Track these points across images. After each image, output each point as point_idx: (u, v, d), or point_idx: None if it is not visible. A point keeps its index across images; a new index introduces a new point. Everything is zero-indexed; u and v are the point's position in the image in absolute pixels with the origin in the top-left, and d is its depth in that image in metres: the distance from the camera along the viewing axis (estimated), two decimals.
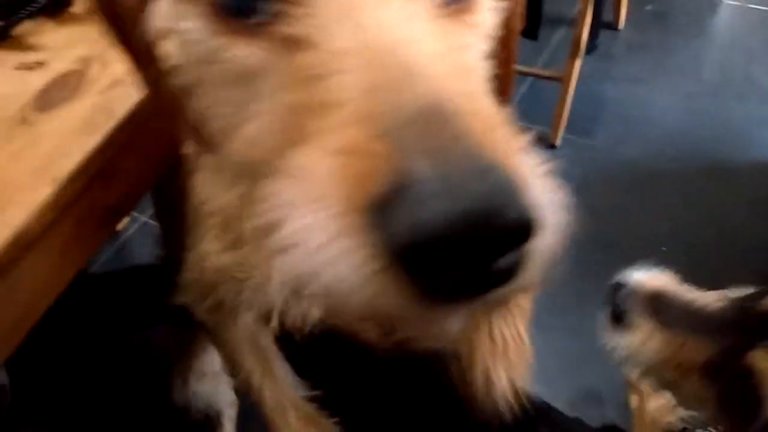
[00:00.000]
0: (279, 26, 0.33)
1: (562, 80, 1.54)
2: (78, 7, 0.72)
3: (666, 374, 0.61)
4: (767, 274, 1.28)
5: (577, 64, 1.52)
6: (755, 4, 1.97)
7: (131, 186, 0.65)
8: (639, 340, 0.61)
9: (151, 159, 0.66)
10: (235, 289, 0.74)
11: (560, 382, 1.14)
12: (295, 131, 0.32)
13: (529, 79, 1.79)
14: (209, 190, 0.57)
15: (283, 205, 0.29)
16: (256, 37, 0.34)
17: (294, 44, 0.33)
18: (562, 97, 1.55)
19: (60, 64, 0.65)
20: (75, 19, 0.72)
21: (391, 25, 0.32)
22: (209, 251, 0.63)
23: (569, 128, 1.62)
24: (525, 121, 1.69)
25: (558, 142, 1.61)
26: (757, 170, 1.54)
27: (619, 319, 0.63)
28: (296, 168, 0.30)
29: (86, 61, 0.65)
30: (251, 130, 0.36)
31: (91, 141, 0.56)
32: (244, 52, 0.35)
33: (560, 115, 1.58)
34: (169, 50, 0.40)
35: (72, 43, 0.68)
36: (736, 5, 1.98)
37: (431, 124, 0.28)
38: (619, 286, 0.64)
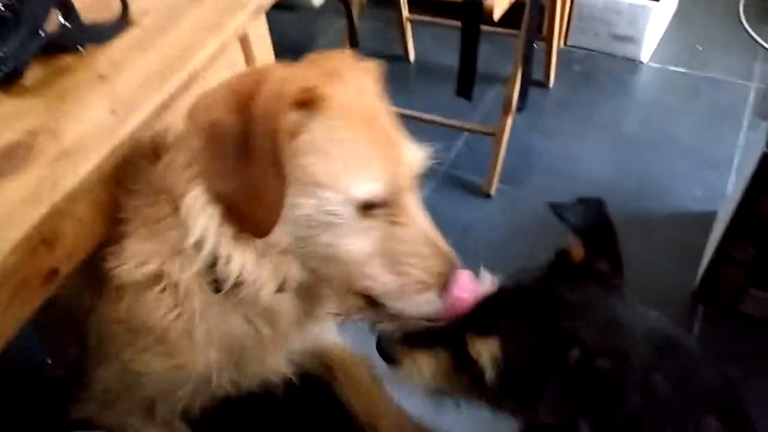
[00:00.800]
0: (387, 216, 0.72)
1: (496, 135, 1.65)
2: (29, 79, 0.77)
3: (446, 385, 0.74)
4: (678, 323, 1.39)
5: (509, 120, 1.64)
6: (674, 66, 2.15)
7: (73, 249, 0.69)
8: (408, 369, 0.74)
9: (92, 225, 0.71)
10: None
11: None
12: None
13: (465, 134, 1.90)
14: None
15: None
16: (373, 218, 0.70)
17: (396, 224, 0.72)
18: (496, 150, 1.67)
19: (8, 134, 0.70)
20: (25, 91, 0.76)
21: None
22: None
23: (503, 179, 1.73)
24: (461, 172, 1.80)
25: (493, 191, 1.72)
26: (675, 220, 1.67)
27: (390, 360, 0.75)
28: None
29: (34, 134, 0.70)
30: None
31: (36, 212, 0.61)
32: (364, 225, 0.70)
33: (494, 167, 1.69)
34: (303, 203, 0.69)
35: (21, 115, 0.73)
36: (657, 67, 2.16)
37: None
38: (379, 338, 0.77)
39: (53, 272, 0.66)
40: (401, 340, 0.75)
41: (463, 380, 0.71)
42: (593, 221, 0.78)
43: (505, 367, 0.65)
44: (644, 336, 0.66)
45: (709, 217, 1.64)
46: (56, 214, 0.63)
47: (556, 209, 0.81)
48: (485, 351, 0.66)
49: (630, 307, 0.72)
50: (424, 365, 0.73)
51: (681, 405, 0.63)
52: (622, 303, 0.72)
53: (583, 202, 0.81)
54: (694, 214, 1.68)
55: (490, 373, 0.65)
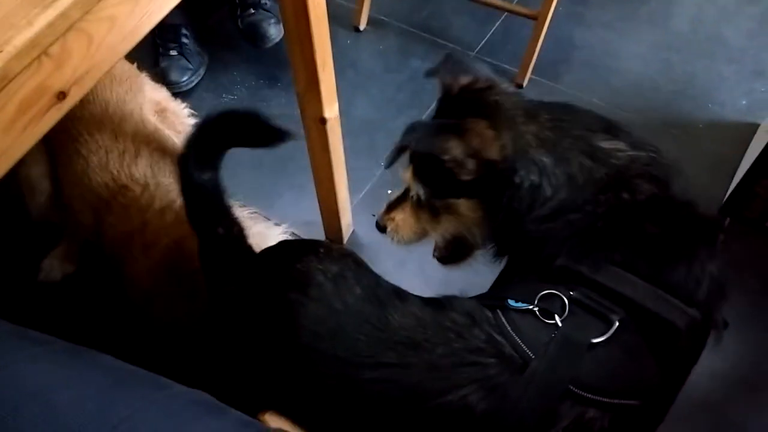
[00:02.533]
0: None
1: (537, 18, 1.52)
2: None
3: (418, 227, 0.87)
4: None
5: (554, 3, 1.50)
6: None
7: (82, 74, 0.62)
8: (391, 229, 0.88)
9: (104, 51, 0.63)
10: None
11: None
12: None
13: (502, 17, 1.76)
14: None
15: None
16: None
17: None
18: (535, 36, 1.54)
19: None
20: None
21: None
22: None
23: (537, 70, 1.62)
24: (493, 59, 1.68)
25: (525, 82, 1.61)
26: (714, 129, 1.58)
27: (382, 228, 0.89)
28: None
29: None
30: None
31: (44, 17, 0.53)
32: None
33: (530, 56, 1.57)
34: None
35: None
36: None
37: None
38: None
39: (61, 95, 0.59)
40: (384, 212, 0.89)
41: (424, 216, 0.82)
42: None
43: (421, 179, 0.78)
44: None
45: (751, 130, 1.55)
46: (65, 25, 0.55)
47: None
48: (407, 176, 0.80)
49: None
50: (399, 218, 0.86)
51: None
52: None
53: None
54: (735, 124, 1.59)
55: (416, 188, 0.79)
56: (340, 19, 1.76)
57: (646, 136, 1.52)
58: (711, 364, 1.18)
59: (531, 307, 0.64)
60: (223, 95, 1.63)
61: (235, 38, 1.69)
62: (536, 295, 0.64)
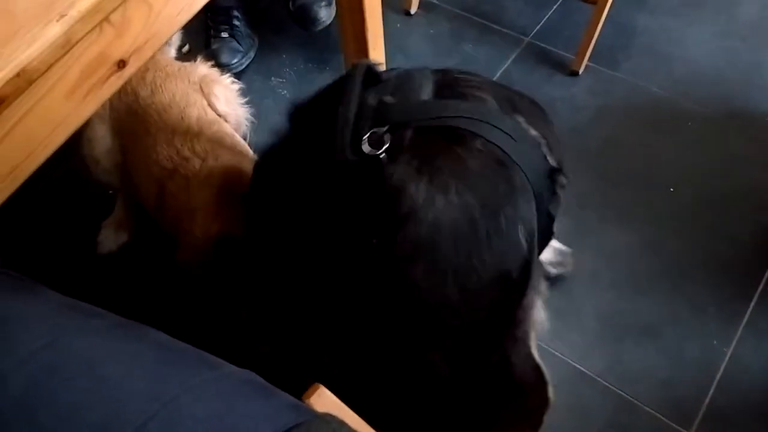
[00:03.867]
0: None
1: (597, 3, 1.46)
2: None
3: None
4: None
5: None
6: None
7: (141, 44, 0.62)
8: None
9: (163, 21, 0.62)
10: None
11: None
12: None
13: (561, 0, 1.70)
14: None
15: None
16: None
17: None
18: (594, 21, 1.48)
19: None
20: None
21: None
22: None
23: (595, 56, 1.56)
24: (549, 44, 1.63)
25: (581, 69, 1.56)
26: None
27: None
28: None
29: None
30: None
31: None
32: None
33: (588, 42, 1.51)
34: None
35: None
36: None
37: None
38: None
39: (121, 63, 0.59)
40: None
41: None
42: None
43: None
44: None
45: None
46: None
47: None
48: None
49: None
50: None
51: None
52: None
53: None
54: None
55: None
56: (391, 2, 1.73)
57: (709, 127, 1.46)
58: None
59: None
60: (272, 78, 1.63)
61: (285, 21, 1.69)
62: None
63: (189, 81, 1.09)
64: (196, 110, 1.05)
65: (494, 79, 1.58)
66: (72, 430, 0.42)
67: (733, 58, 1.60)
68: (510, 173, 0.71)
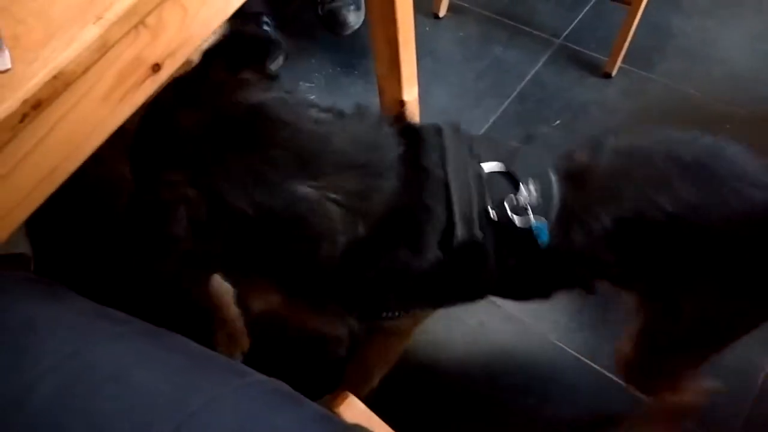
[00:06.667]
0: None
1: (631, 4, 1.43)
2: None
3: None
4: None
5: None
6: None
7: (176, 47, 0.62)
8: None
9: (197, 21, 0.62)
10: None
11: None
12: None
13: (593, 0, 1.67)
14: None
15: None
16: None
17: None
18: (628, 22, 1.44)
19: None
20: None
21: None
22: None
23: (628, 58, 1.52)
24: (581, 46, 1.60)
25: (615, 71, 1.52)
26: None
27: None
28: None
29: None
30: None
31: None
32: None
33: (622, 43, 1.48)
34: None
35: None
36: None
37: None
38: None
39: (156, 67, 0.59)
40: None
41: None
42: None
43: None
44: None
45: None
46: None
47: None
48: None
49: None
50: None
51: None
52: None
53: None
54: None
55: None
56: (420, 5, 1.71)
57: (747, 129, 1.42)
58: None
59: None
60: (300, 82, 1.63)
61: (314, 26, 1.69)
62: None
63: None
64: None
65: (525, 81, 1.55)
66: None
67: None
68: None
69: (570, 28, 1.65)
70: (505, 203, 0.66)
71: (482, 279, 0.71)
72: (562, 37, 1.63)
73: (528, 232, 0.66)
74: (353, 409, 0.64)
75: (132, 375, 0.45)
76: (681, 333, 0.77)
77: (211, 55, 0.67)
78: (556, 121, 1.48)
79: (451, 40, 1.68)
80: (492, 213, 0.66)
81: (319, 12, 1.65)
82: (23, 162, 0.52)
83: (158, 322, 0.52)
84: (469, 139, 0.71)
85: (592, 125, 1.45)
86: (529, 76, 1.56)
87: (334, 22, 1.62)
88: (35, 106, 0.49)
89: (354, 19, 1.62)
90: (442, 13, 1.71)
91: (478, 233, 0.65)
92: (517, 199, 0.66)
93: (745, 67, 1.54)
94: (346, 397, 0.64)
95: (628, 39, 1.47)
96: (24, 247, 1.16)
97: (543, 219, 0.66)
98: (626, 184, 0.69)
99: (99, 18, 0.51)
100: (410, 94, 1.04)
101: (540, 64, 1.59)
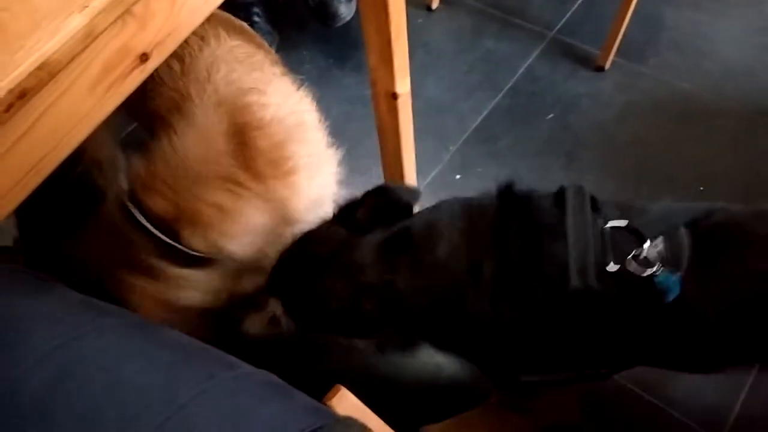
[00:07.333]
0: None
1: None
2: None
3: None
4: None
5: None
6: None
7: (164, 37, 0.61)
8: None
9: (185, 10, 0.61)
10: None
11: None
12: None
13: None
14: None
15: None
16: None
17: None
18: (620, 15, 1.44)
19: None
20: None
21: None
22: None
23: (621, 51, 1.52)
24: (574, 39, 1.60)
25: (607, 65, 1.52)
26: None
27: None
28: None
29: None
30: None
31: None
32: None
33: (614, 36, 1.47)
34: None
35: None
36: None
37: None
38: None
39: (144, 57, 0.58)
40: None
41: None
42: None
43: None
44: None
45: None
46: None
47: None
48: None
49: None
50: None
51: None
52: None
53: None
54: None
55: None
56: None
57: (740, 124, 1.42)
58: None
59: None
60: (292, 74, 1.62)
61: (305, 17, 1.68)
62: None
63: None
64: None
65: (517, 75, 1.55)
66: None
67: (763, 53, 1.56)
68: None
69: (563, 20, 1.64)
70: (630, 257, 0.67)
71: (611, 335, 0.71)
72: (554, 30, 1.63)
73: (651, 285, 0.65)
74: (345, 401, 0.64)
75: (121, 368, 0.45)
76: None
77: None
78: (548, 114, 1.48)
79: (443, 32, 1.67)
80: (612, 265, 0.66)
81: (310, 4, 1.64)
82: (9, 152, 0.51)
83: None
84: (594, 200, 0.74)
85: (584, 119, 1.46)
86: (521, 69, 1.56)
87: (325, 13, 1.61)
88: (21, 96, 0.48)
89: (345, 10, 1.61)
90: (434, 5, 1.70)
91: (593, 282, 0.65)
92: (641, 253, 0.67)
93: (737, 60, 1.55)
94: (338, 390, 0.64)
95: (621, 32, 1.47)
96: (9, 240, 1.14)
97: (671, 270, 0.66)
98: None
99: (85, 7, 0.50)
100: (403, 86, 1.03)
101: (533, 57, 1.58)
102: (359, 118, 1.48)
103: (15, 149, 0.51)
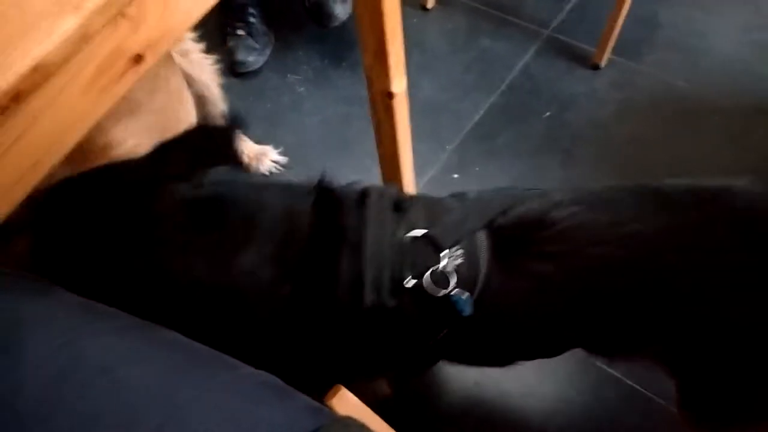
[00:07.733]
0: None
1: None
2: None
3: None
4: None
5: None
6: None
7: (157, 39, 0.60)
8: None
9: (178, 12, 0.61)
10: None
11: None
12: None
13: None
14: None
15: None
16: None
17: None
18: (615, 13, 1.44)
19: None
20: None
21: None
22: None
23: (617, 49, 1.53)
24: (569, 37, 1.60)
25: (603, 63, 1.53)
26: None
27: None
28: None
29: None
30: None
31: None
32: None
33: (609, 34, 1.48)
34: None
35: None
36: None
37: None
38: None
39: (138, 58, 0.58)
40: None
41: None
42: None
43: None
44: None
45: None
46: None
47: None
48: None
49: None
50: None
51: None
52: None
53: None
54: None
55: None
56: None
57: (736, 121, 1.42)
58: None
59: None
60: (288, 75, 1.63)
61: (301, 18, 1.68)
62: None
63: None
64: None
65: (513, 73, 1.55)
66: None
67: (760, 50, 1.56)
68: None
69: (558, 19, 1.65)
70: (427, 273, 0.65)
71: (412, 344, 0.70)
72: (550, 29, 1.63)
73: (447, 301, 0.64)
74: (346, 402, 0.64)
75: (119, 370, 0.45)
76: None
77: (168, 148, 0.68)
78: (545, 112, 1.48)
79: (439, 32, 1.67)
80: (408, 281, 0.64)
81: (306, 4, 1.64)
82: (5, 155, 0.51)
83: None
84: (401, 202, 0.70)
85: (581, 117, 1.46)
86: (517, 68, 1.56)
87: (321, 14, 1.61)
88: (15, 98, 0.48)
89: (341, 10, 1.61)
90: (430, 4, 1.70)
91: (388, 300, 0.64)
92: (438, 268, 0.65)
93: (733, 57, 1.55)
94: (338, 390, 0.64)
95: (617, 30, 1.48)
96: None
97: (463, 292, 0.64)
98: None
99: (77, 8, 0.50)
100: (398, 86, 1.03)
101: (528, 55, 1.58)
102: (356, 119, 1.48)
103: (10, 152, 0.50)
